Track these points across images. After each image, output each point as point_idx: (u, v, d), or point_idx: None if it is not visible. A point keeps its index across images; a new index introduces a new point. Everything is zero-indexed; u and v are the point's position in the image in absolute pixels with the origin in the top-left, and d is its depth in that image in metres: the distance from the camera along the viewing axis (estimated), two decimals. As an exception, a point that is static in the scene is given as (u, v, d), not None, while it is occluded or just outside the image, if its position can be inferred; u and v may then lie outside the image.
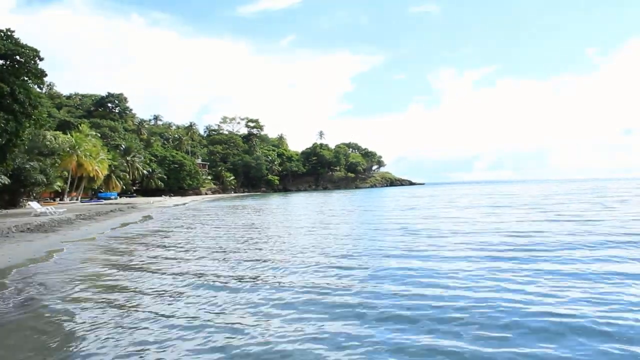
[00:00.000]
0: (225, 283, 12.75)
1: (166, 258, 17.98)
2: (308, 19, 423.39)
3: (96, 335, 8.64)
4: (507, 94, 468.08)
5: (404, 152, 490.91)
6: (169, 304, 10.75)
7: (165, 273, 14.69)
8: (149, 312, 10.13)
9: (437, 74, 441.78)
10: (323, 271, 13.83)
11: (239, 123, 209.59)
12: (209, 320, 9.38)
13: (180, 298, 11.27)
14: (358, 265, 14.54)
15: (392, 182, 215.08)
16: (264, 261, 15.96)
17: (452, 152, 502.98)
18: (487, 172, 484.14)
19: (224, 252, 19.03)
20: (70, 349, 8.09)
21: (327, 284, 12.12)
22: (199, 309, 10.22)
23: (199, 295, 11.48)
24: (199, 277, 13.76)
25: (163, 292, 11.92)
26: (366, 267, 14.16)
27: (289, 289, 11.59)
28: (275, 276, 13.37)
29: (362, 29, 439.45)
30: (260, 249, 19.13)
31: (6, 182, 45.38)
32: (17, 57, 32.86)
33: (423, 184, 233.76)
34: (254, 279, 13.17)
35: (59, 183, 66.89)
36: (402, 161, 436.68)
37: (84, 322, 9.51)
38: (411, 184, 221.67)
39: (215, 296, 11.37)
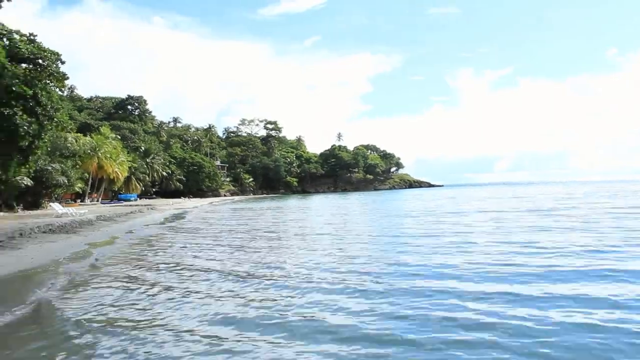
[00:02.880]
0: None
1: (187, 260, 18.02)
2: (327, 21, 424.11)
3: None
4: (526, 94, 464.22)
5: (423, 154, 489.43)
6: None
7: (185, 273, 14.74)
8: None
9: (455, 75, 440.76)
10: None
11: (257, 125, 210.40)
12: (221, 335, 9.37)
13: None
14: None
15: (411, 183, 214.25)
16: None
17: (471, 153, 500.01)
18: (507, 173, 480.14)
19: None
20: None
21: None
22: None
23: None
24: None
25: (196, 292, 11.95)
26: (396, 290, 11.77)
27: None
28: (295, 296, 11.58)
29: (381, 31, 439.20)
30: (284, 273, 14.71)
31: (29, 184, 45.86)
32: (40, 61, 33.21)
33: (442, 185, 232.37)
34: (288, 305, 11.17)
35: (79, 184, 67.41)
36: (421, 163, 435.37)
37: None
38: (430, 185, 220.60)
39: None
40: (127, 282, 13.81)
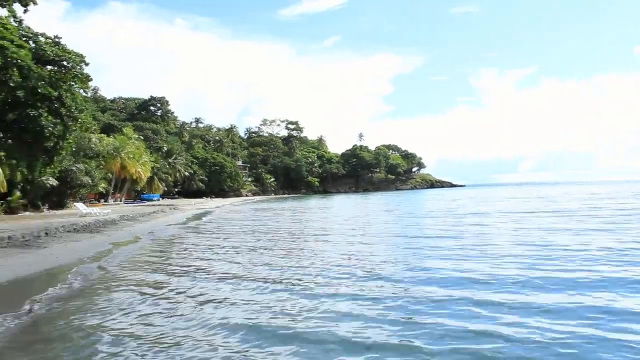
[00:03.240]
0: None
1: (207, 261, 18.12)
2: (348, 21, 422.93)
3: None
4: (551, 93, 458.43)
5: (445, 154, 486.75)
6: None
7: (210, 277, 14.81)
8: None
9: (479, 75, 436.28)
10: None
11: (279, 125, 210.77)
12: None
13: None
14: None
15: (433, 184, 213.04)
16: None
17: (494, 153, 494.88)
18: (532, 173, 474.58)
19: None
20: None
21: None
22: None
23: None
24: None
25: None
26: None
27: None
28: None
29: (403, 31, 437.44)
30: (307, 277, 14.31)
31: (54, 184, 46.48)
32: (65, 63, 33.63)
33: (464, 185, 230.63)
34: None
35: (103, 185, 68.12)
36: (443, 163, 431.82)
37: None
38: (452, 186, 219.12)
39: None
40: (145, 285, 13.94)
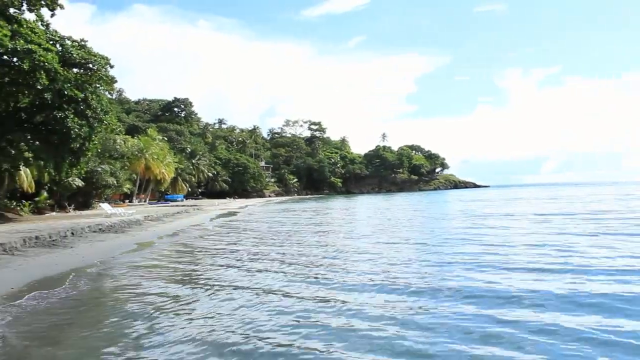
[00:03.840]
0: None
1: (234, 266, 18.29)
2: (371, 21, 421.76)
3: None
4: (575, 93, 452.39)
5: (469, 154, 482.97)
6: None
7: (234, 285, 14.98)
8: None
9: (502, 74, 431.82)
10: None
11: (301, 126, 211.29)
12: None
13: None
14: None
15: (456, 184, 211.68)
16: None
17: (518, 153, 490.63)
18: (556, 174, 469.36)
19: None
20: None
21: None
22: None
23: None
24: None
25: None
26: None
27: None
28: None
29: (426, 30, 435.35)
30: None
31: (80, 185, 47.18)
32: (90, 65, 34.02)
33: (488, 186, 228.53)
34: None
35: (128, 185, 68.87)
36: (467, 163, 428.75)
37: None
38: (475, 186, 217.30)
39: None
40: (166, 286, 14.14)
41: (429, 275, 14.09)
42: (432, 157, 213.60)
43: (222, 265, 16.92)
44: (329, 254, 19.12)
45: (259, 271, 15.47)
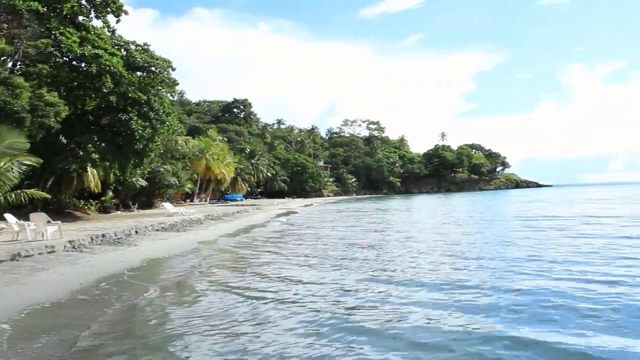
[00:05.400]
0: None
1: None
2: (429, 19, 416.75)
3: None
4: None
5: (531, 153, 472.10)
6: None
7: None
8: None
9: (566, 70, 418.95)
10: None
11: (359, 125, 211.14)
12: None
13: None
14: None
15: (518, 184, 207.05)
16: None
17: (582, 151, 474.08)
18: (623, 173, 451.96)
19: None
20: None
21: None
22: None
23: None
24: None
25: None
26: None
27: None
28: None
29: (485, 27, 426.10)
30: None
31: (143, 185, 48.60)
32: (153, 68, 35.07)
33: (550, 185, 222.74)
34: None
35: (189, 185, 70.28)
36: (529, 162, 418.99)
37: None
38: (538, 185, 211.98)
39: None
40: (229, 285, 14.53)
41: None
42: (492, 156, 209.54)
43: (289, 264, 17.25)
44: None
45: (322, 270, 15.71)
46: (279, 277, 14.62)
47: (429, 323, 9.44)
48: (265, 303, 11.26)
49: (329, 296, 11.89)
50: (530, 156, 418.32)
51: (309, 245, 23.27)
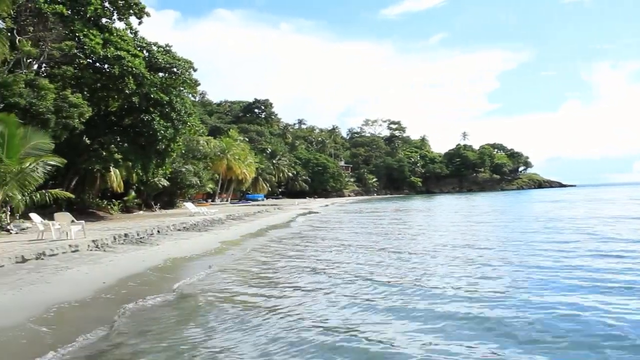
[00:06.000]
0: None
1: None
2: (452, 18, 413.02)
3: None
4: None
5: (555, 153, 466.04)
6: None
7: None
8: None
9: (591, 69, 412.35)
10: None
11: (380, 125, 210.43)
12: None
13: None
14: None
15: (540, 184, 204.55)
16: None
17: (608, 151, 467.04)
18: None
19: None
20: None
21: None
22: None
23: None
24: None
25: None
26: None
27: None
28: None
29: (509, 25, 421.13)
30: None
31: (165, 184, 49.08)
32: (174, 69, 35.45)
33: (574, 185, 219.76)
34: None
35: (210, 185, 70.76)
36: (553, 162, 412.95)
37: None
38: (561, 185, 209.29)
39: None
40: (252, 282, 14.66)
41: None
42: (515, 156, 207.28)
43: (304, 268, 17.36)
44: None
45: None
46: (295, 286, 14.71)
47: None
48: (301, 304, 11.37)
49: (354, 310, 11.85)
50: (554, 156, 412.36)
51: (332, 248, 23.28)
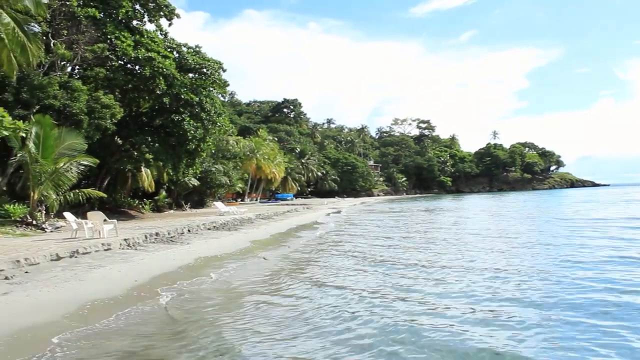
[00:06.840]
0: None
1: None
2: (480, 16, 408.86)
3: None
4: None
5: (588, 151, 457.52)
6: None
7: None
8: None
9: (626, 65, 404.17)
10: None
11: (410, 124, 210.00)
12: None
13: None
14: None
15: (573, 183, 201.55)
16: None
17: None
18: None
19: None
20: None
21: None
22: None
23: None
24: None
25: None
26: None
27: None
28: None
29: (539, 22, 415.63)
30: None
31: (195, 184, 49.59)
32: (204, 70, 35.82)
33: (608, 185, 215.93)
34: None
35: (240, 184, 71.19)
36: (586, 161, 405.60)
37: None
38: (594, 185, 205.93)
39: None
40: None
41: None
42: (546, 155, 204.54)
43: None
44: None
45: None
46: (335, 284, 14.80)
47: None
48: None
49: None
50: (587, 154, 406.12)
51: (362, 250, 23.34)
